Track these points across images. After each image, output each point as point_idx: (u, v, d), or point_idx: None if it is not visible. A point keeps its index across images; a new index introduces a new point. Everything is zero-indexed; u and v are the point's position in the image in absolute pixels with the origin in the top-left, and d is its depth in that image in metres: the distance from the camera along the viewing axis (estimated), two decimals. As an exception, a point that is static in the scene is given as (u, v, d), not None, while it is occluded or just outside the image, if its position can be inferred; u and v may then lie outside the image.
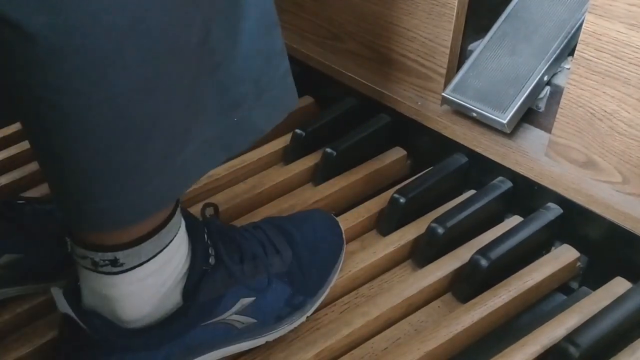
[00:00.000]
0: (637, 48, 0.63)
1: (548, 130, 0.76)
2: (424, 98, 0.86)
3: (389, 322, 0.69)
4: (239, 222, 0.79)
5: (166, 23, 0.43)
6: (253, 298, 0.62)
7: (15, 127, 0.98)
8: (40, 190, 0.86)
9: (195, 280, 0.57)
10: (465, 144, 0.81)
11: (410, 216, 0.79)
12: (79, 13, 0.39)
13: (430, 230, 0.74)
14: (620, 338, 0.63)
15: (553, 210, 0.74)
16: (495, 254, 0.70)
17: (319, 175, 0.87)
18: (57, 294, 0.54)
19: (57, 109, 0.42)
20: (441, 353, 0.65)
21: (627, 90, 0.65)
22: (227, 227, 0.64)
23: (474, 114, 0.78)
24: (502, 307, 0.68)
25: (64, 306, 0.54)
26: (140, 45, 0.42)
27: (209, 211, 0.64)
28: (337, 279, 0.71)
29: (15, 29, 0.38)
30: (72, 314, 0.53)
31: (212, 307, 0.59)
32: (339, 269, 0.71)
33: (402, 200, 0.78)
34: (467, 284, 0.71)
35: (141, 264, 0.53)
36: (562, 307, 0.68)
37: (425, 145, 0.86)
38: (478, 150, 0.80)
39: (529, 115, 0.78)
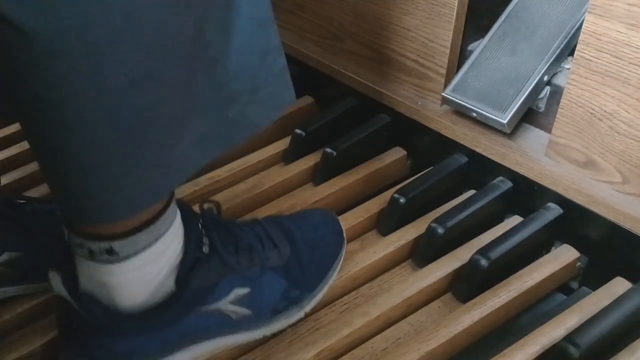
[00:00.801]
0: (637, 48, 0.63)
1: (548, 130, 0.76)
2: (424, 98, 0.86)
3: (389, 322, 0.69)
4: (239, 222, 0.79)
5: (159, 18, 0.44)
6: (248, 289, 0.62)
7: (15, 127, 0.98)
8: (41, 190, 0.86)
9: (188, 268, 0.58)
10: (465, 144, 0.81)
11: (410, 216, 0.79)
12: (72, 11, 0.40)
13: (430, 230, 0.74)
14: (620, 338, 0.63)
15: (553, 210, 0.74)
16: (495, 254, 0.70)
17: (319, 175, 0.87)
18: (54, 277, 0.56)
19: (53, 106, 0.43)
20: (441, 353, 0.65)
21: (627, 90, 0.65)
22: (224, 219, 0.65)
23: (474, 114, 0.78)
24: (502, 307, 0.68)
25: (60, 289, 0.55)
26: (135, 41, 0.43)
27: (209, 206, 0.65)
28: (337, 279, 0.71)
29: (15, 28, 0.39)
30: (69, 298, 0.55)
31: (204, 295, 0.60)
32: (339, 266, 0.71)
33: (402, 200, 0.78)
34: (467, 284, 0.71)
35: (136, 253, 0.54)
36: (562, 307, 0.68)
37: (425, 145, 0.86)
38: (478, 150, 0.80)
39: (529, 115, 0.78)
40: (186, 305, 0.59)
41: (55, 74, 0.42)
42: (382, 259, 0.75)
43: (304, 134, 0.90)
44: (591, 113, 0.69)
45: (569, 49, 0.75)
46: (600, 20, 0.64)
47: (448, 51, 0.80)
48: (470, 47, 0.82)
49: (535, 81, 0.74)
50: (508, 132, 0.77)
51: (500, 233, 0.74)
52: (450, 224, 0.74)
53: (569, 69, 0.73)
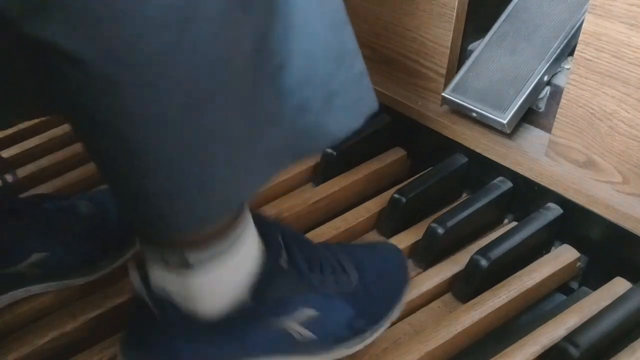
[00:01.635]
0: (637, 48, 0.63)
1: (548, 130, 0.76)
2: (424, 98, 0.86)
3: (389, 322, 0.69)
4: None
5: (213, 34, 0.42)
6: (316, 312, 0.60)
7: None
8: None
9: (265, 280, 0.57)
10: (465, 144, 0.81)
11: (410, 216, 0.79)
12: (121, 37, 0.39)
13: (430, 230, 0.74)
14: (620, 338, 0.63)
15: (553, 211, 0.74)
16: (495, 254, 0.70)
17: (319, 175, 0.87)
18: (134, 277, 0.55)
19: (113, 130, 0.43)
20: (441, 353, 0.65)
21: (627, 90, 0.65)
22: (303, 236, 0.64)
23: (474, 114, 0.78)
24: (502, 307, 0.68)
25: (140, 289, 0.54)
26: (188, 60, 0.41)
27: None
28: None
29: (69, 58, 0.39)
30: (145, 297, 0.54)
31: (277, 308, 0.58)
32: (402, 304, 0.69)
33: (402, 200, 0.78)
34: (467, 284, 0.71)
35: (210, 264, 0.53)
36: (562, 307, 0.68)
37: (425, 145, 0.86)
38: (478, 150, 0.80)
39: (529, 115, 0.78)
40: (257, 317, 0.57)
41: (112, 99, 0.41)
42: (382, 259, 0.75)
43: (304, 134, 0.90)
44: (591, 113, 0.69)
45: (569, 49, 0.75)
46: (600, 20, 0.64)
47: (448, 51, 0.80)
48: (470, 47, 0.82)
49: (535, 81, 0.74)
50: (508, 132, 0.77)
51: (500, 233, 0.74)
52: (450, 224, 0.74)
53: (569, 69, 0.73)
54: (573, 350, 0.60)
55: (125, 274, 0.71)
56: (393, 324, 0.68)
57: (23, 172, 0.90)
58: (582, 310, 0.66)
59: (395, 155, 0.89)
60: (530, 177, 0.75)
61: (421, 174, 0.83)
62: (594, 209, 0.70)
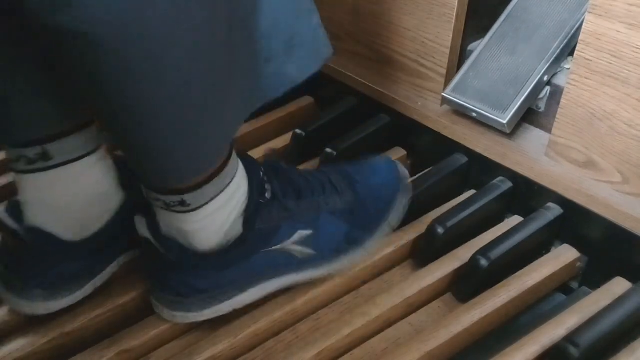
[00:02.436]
0: (637, 48, 0.63)
1: (548, 130, 0.76)
2: (424, 98, 0.86)
3: (389, 322, 0.69)
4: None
5: None
6: (311, 231, 0.67)
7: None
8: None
9: (252, 212, 0.64)
10: (465, 144, 0.81)
11: (410, 216, 0.79)
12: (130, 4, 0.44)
13: (430, 230, 0.74)
14: (620, 338, 0.63)
15: (553, 211, 0.74)
16: (495, 254, 0.70)
17: (319, 175, 0.87)
18: (140, 222, 0.64)
19: (124, 92, 0.49)
20: (441, 353, 0.65)
21: (627, 90, 0.65)
22: (287, 167, 0.70)
23: (474, 114, 0.78)
24: (502, 307, 0.68)
25: (145, 232, 0.63)
26: (184, 21, 0.47)
27: (270, 155, 0.71)
28: (337, 279, 0.71)
29: (82, 38, 0.44)
30: (153, 240, 0.63)
31: (269, 236, 0.65)
32: (397, 208, 0.74)
33: (402, 200, 0.78)
34: (467, 284, 0.71)
35: (206, 203, 0.61)
36: (562, 307, 0.68)
37: (425, 145, 0.86)
38: (478, 150, 0.80)
39: (529, 115, 0.78)
40: (253, 245, 0.65)
41: (121, 66, 0.47)
42: (382, 259, 0.75)
43: (304, 134, 0.90)
44: (591, 113, 0.69)
45: (569, 49, 0.75)
46: (600, 20, 0.64)
47: (448, 51, 0.80)
48: (470, 47, 0.82)
49: (535, 81, 0.74)
50: (508, 132, 0.77)
51: (500, 233, 0.74)
52: (450, 223, 0.74)
53: (569, 69, 0.73)
54: (573, 350, 0.60)
55: (125, 274, 0.71)
56: (393, 323, 0.69)
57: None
58: (582, 310, 0.66)
59: (395, 155, 0.89)
60: (530, 177, 0.75)
61: (421, 174, 0.83)
62: (594, 209, 0.70)
